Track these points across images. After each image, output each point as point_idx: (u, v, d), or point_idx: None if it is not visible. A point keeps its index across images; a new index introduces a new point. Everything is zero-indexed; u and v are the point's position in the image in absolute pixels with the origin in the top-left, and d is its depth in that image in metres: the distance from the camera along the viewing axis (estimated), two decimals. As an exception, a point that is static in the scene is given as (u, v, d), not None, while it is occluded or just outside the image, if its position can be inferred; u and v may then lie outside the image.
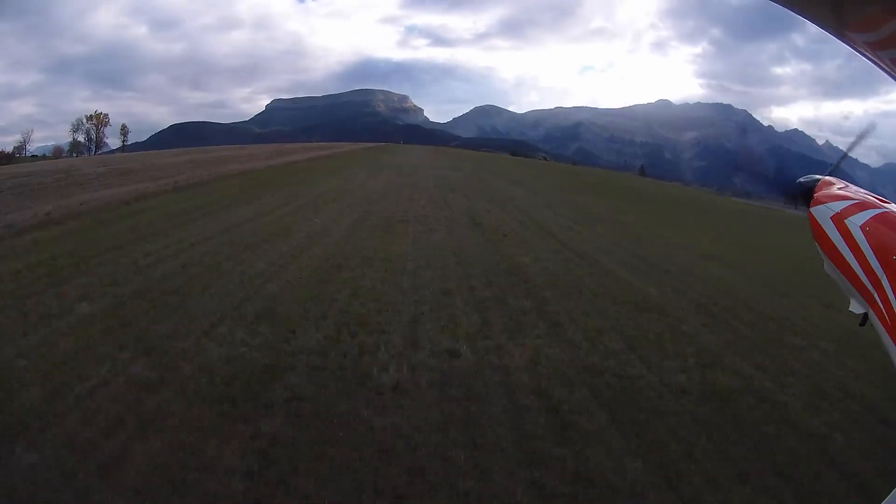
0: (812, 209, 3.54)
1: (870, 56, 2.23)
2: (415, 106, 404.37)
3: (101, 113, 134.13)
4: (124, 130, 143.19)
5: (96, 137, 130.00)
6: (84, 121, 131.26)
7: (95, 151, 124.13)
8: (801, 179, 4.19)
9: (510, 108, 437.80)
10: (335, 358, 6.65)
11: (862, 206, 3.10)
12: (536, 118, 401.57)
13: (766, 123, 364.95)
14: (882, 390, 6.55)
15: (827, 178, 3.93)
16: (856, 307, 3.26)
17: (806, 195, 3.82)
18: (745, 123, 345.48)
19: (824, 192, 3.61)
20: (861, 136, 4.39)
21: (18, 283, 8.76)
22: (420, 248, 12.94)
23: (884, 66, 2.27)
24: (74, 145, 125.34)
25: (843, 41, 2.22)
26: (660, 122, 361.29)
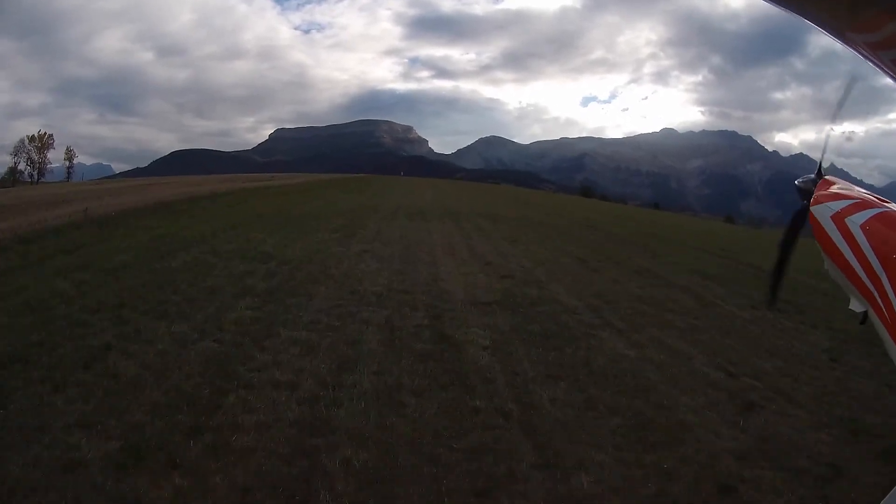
0: (812, 208, 3.41)
1: (870, 57, 2.21)
2: (419, 137, 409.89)
3: (44, 133, 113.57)
4: (69, 154, 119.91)
5: (39, 162, 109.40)
6: (26, 142, 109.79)
7: (38, 179, 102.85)
8: (799, 180, 3.86)
9: (515, 140, 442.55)
10: None
11: (862, 205, 3.03)
12: (542, 149, 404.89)
13: (770, 149, 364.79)
14: None
15: (827, 177, 3.65)
16: (856, 306, 3.03)
17: (806, 195, 3.59)
18: (751, 150, 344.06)
19: (824, 191, 3.46)
20: (845, 95, 3.65)
21: None
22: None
23: (884, 67, 2.24)
24: (12, 171, 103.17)
25: (843, 42, 2.21)
26: (665, 151, 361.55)
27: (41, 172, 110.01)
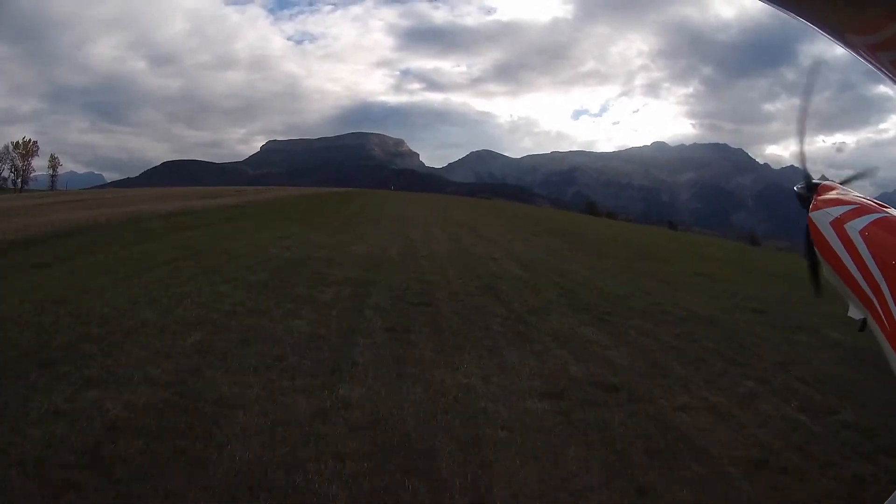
0: (811, 214, 3.49)
1: (869, 58, 2.26)
2: (410, 150, 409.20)
3: (29, 140, 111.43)
4: (53, 162, 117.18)
5: (23, 169, 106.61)
6: (10, 148, 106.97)
7: (22, 187, 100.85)
8: (798, 186, 3.99)
9: (506, 153, 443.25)
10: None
11: (861, 210, 3.11)
12: (533, 163, 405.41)
13: (761, 161, 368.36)
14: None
15: (826, 182, 3.82)
16: (854, 313, 3.08)
17: (804, 201, 3.73)
18: (742, 162, 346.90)
19: (823, 196, 3.56)
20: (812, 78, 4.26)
21: None
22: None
23: (883, 69, 2.29)
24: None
25: (842, 43, 2.24)
26: (656, 164, 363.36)
27: (24, 180, 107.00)
